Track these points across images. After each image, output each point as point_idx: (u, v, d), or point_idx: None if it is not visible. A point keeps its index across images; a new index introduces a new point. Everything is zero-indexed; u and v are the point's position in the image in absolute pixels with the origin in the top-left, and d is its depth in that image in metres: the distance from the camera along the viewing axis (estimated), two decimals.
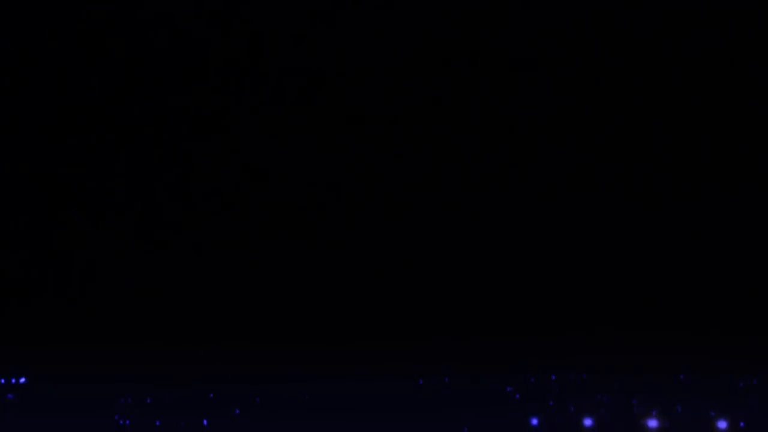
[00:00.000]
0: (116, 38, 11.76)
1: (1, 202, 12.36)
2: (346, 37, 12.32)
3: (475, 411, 13.35)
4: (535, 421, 13.37)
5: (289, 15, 12.15)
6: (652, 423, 13.19)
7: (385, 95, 12.65)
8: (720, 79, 12.47)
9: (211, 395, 13.26)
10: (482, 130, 12.71)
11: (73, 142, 12.29)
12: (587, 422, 13.33)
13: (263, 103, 12.52)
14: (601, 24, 12.34)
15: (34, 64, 11.79)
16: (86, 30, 11.62)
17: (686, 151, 12.70)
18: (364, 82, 12.56)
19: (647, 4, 12.30)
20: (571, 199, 12.88)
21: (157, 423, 13.19)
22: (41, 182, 12.34)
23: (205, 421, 13.20)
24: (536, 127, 12.69)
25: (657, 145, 12.73)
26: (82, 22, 11.60)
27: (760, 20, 12.16)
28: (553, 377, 13.42)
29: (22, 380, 13.03)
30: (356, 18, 12.18)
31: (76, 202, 12.50)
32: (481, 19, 12.35)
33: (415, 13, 12.29)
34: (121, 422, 13.19)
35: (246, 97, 12.47)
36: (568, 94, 12.54)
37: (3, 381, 13.03)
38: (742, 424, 12.99)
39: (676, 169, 12.78)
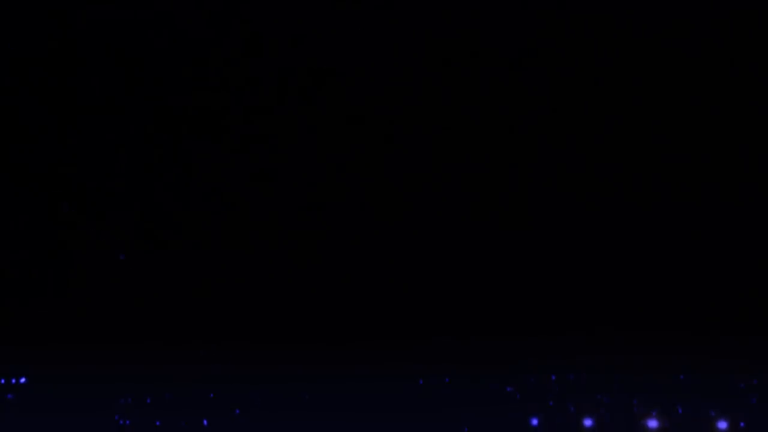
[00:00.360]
0: (116, 37, 11.77)
1: (1, 202, 12.36)
2: (346, 36, 12.32)
3: (475, 411, 13.35)
4: (535, 422, 13.38)
5: (289, 15, 12.15)
6: (652, 423, 13.19)
7: (385, 95, 12.65)
8: (720, 79, 12.47)
9: (212, 395, 13.26)
10: (482, 129, 12.71)
11: (73, 141, 12.29)
12: (587, 422, 13.33)
13: (263, 103, 12.52)
14: (601, 24, 12.34)
15: (33, 64, 11.79)
16: (86, 29, 11.62)
17: (686, 151, 12.70)
18: (364, 82, 12.57)
19: (647, 4, 12.31)
20: (571, 199, 12.89)
21: (158, 423, 13.19)
22: (41, 182, 12.35)
23: (205, 422, 13.20)
24: (536, 127, 12.69)
25: (657, 145, 12.73)
26: (82, 21, 11.61)
27: (761, 20, 12.16)
28: (554, 377, 13.42)
29: (23, 380, 13.03)
30: (356, 18, 12.18)
31: (76, 201, 12.50)
32: (482, 18, 12.35)
33: (416, 12, 12.29)
34: (122, 422, 13.19)
35: (246, 97, 12.47)
36: (567, 93, 12.54)
37: (3, 381, 13.03)
38: (742, 424, 12.99)
39: (676, 169, 12.78)
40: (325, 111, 12.61)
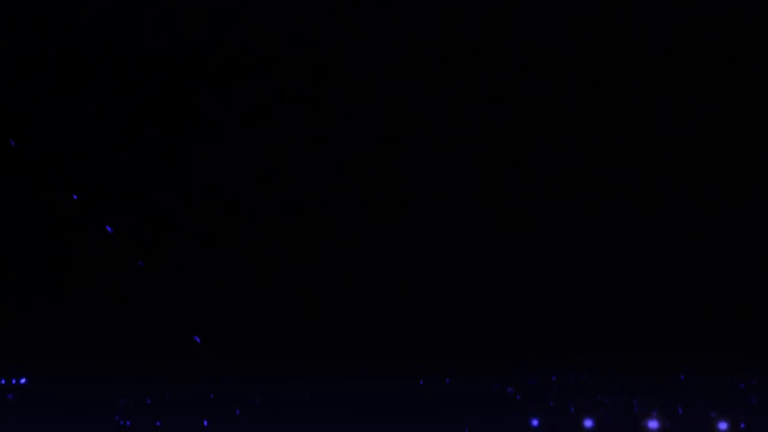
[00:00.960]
0: (116, 37, 11.78)
1: (1, 202, 12.37)
2: (346, 36, 12.33)
3: (475, 411, 13.33)
4: (535, 422, 13.36)
5: (289, 15, 12.16)
6: (653, 424, 13.18)
7: (385, 95, 12.65)
8: (720, 79, 12.47)
9: (212, 395, 13.25)
10: (482, 129, 12.71)
11: (74, 141, 12.30)
12: (588, 423, 13.32)
13: (263, 103, 12.53)
14: (601, 24, 12.34)
15: (33, 63, 11.80)
16: (86, 28, 11.63)
17: (686, 151, 12.70)
18: (364, 82, 12.57)
19: (647, 5, 12.31)
20: (571, 199, 12.88)
21: (158, 424, 13.18)
22: (41, 182, 12.36)
23: (205, 422, 13.19)
24: (536, 127, 12.69)
25: (657, 145, 12.73)
26: (83, 20, 11.62)
27: (760, 20, 12.16)
28: (554, 378, 13.41)
29: (23, 381, 13.03)
30: (356, 17, 12.19)
31: (76, 201, 12.50)
32: (482, 18, 12.36)
33: (416, 12, 12.30)
34: (122, 423, 13.18)
35: (246, 97, 12.47)
36: (567, 93, 12.54)
37: (3, 381, 13.03)
38: (742, 425, 12.98)
39: (675, 169, 12.77)
40: (324, 111, 12.62)
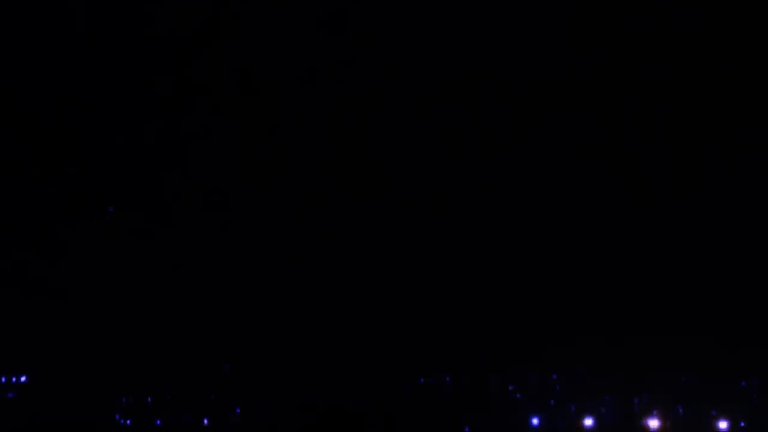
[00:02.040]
0: (115, 39, 11.76)
1: (3, 203, 12.36)
2: (346, 37, 12.32)
3: (475, 411, 13.36)
4: (536, 421, 13.39)
5: (288, 16, 12.15)
6: (653, 423, 13.21)
7: (385, 96, 12.64)
8: (720, 79, 12.46)
9: (212, 396, 13.28)
10: (482, 131, 12.71)
11: (74, 143, 12.29)
12: (588, 422, 13.34)
13: (262, 104, 12.52)
14: (601, 24, 12.33)
15: (33, 67, 11.79)
16: (85, 32, 11.61)
17: (686, 152, 12.70)
18: (363, 83, 12.56)
19: (648, 5, 12.29)
20: (572, 201, 12.89)
21: (158, 423, 13.21)
22: (42, 183, 12.34)
23: (205, 421, 13.22)
24: (536, 129, 12.69)
25: (657, 145, 12.73)
26: (83, 23, 11.60)
27: (760, 20, 12.14)
28: (554, 377, 13.44)
29: (23, 379, 13.05)
30: (356, 18, 12.17)
31: (76, 202, 12.50)
32: (482, 19, 12.34)
33: (416, 13, 12.28)
34: (122, 422, 13.21)
35: (244, 98, 12.46)
36: (567, 94, 12.54)
37: (4, 380, 13.05)
38: (742, 424, 13.00)
39: (676, 170, 12.78)
40: (323, 112, 12.61)
